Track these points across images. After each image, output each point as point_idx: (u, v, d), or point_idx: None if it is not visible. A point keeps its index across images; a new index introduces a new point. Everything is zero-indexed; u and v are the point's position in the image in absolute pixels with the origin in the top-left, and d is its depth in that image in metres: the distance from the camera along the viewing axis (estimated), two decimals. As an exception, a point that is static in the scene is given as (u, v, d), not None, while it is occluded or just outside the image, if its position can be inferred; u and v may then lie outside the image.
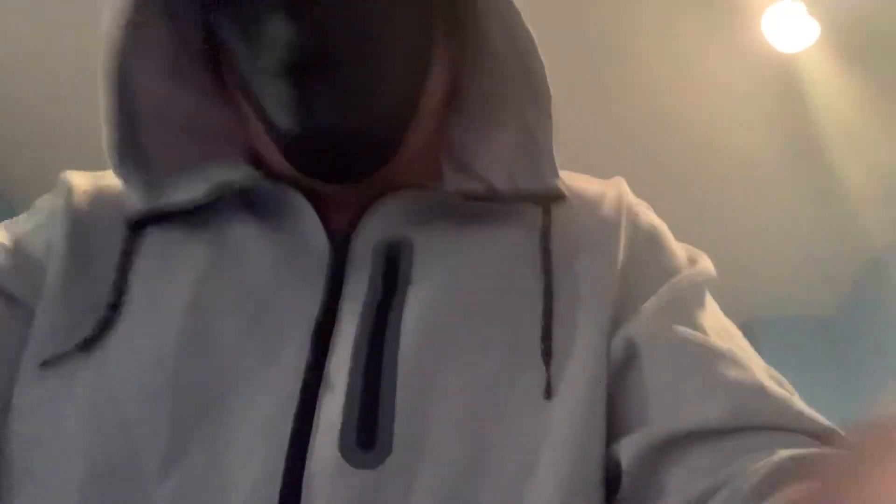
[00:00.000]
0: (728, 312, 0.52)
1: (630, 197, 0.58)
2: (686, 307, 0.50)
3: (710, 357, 0.47)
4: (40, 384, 0.46)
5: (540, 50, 0.51)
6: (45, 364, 0.46)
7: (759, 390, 0.45)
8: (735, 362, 0.46)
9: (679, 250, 0.55)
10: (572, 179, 0.57)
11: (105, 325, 0.47)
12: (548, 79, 0.52)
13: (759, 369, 0.46)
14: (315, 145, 0.48)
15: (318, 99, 0.47)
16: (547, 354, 0.47)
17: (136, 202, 0.51)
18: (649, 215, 0.57)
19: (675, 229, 0.57)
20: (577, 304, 0.50)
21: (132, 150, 0.51)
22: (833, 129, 2.45)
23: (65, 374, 0.46)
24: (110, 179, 0.54)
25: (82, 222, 0.52)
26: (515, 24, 0.50)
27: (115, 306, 0.48)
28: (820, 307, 3.29)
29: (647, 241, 0.55)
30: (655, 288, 0.51)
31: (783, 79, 2.32)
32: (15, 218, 0.55)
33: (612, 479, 0.46)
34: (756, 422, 0.43)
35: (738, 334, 0.51)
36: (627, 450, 0.45)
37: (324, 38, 0.46)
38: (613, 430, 0.47)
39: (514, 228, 0.53)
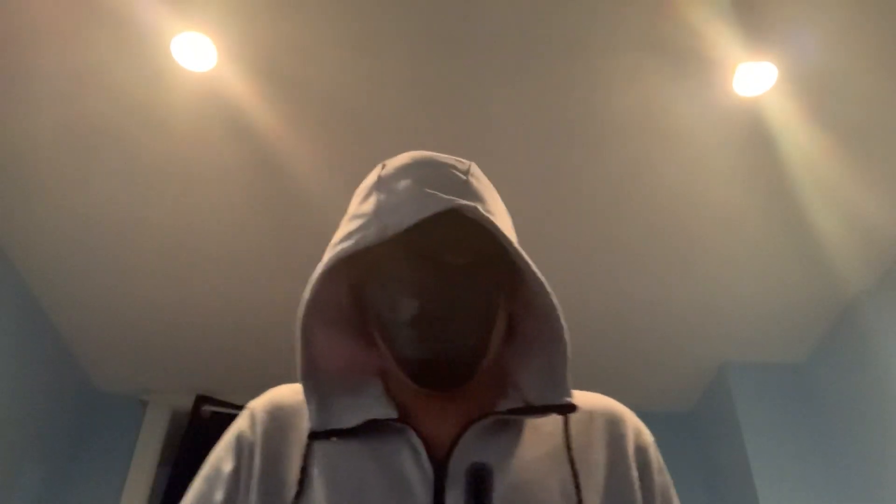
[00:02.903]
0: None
1: (641, 428, 0.91)
2: None
3: None
4: None
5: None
6: None
7: None
8: None
9: (665, 473, 0.90)
10: (595, 398, 0.92)
11: None
12: (562, 316, 0.84)
13: None
14: (430, 367, 0.81)
15: (432, 340, 0.80)
16: None
17: (314, 420, 0.83)
18: (656, 450, 0.90)
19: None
20: (600, 491, 0.81)
21: (312, 379, 0.85)
22: (805, 176, 2.50)
23: None
24: (280, 392, 0.91)
25: (270, 439, 0.85)
26: (547, 296, 0.82)
27: (298, 495, 0.79)
28: (792, 354, 3.32)
29: (660, 476, 0.88)
30: None
31: (754, 129, 2.38)
32: (214, 450, 0.89)
33: None
34: None
35: None
36: None
37: (439, 304, 0.80)
38: None
39: (547, 433, 0.85)
